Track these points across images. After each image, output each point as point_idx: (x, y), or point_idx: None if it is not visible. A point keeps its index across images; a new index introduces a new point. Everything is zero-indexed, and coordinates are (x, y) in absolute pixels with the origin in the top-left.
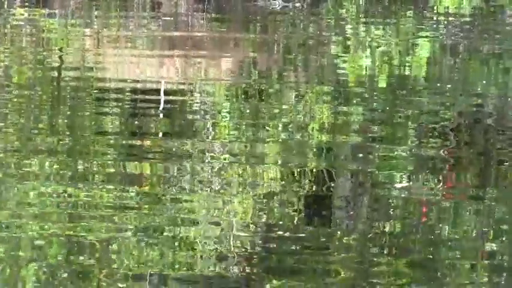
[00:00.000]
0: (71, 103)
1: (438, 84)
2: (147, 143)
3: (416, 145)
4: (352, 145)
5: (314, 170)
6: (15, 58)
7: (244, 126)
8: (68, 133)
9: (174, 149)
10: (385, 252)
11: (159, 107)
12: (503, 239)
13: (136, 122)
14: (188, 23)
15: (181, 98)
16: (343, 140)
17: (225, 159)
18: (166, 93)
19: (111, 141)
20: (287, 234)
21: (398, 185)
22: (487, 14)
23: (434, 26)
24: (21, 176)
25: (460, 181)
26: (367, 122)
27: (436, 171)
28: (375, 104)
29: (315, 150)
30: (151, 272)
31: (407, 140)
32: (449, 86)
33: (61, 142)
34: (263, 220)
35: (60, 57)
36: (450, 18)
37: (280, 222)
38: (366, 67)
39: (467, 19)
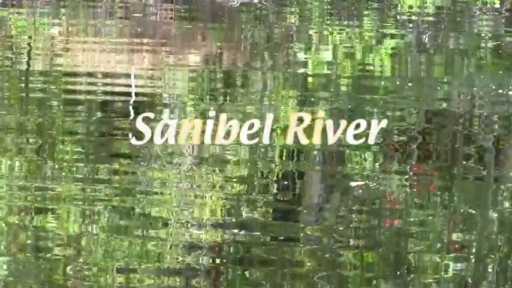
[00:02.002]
0: (40, 97)
1: (398, 82)
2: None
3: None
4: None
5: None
6: None
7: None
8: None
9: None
10: (351, 244)
11: (129, 101)
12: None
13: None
14: (156, 16)
15: (150, 90)
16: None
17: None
18: (135, 85)
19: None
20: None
21: (353, 183)
22: (453, 11)
23: (399, 23)
24: None
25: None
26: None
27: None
28: (340, 102)
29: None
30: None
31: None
32: (413, 83)
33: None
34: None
35: (28, 52)
36: (414, 18)
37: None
38: (329, 64)
39: (431, 18)
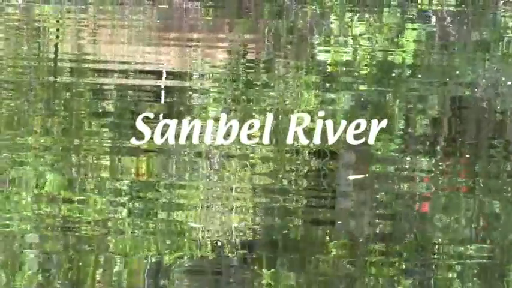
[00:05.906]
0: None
1: (419, 76)
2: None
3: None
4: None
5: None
6: (9, 46)
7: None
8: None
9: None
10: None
11: (157, 96)
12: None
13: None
14: (183, 9)
15: (178, 83)
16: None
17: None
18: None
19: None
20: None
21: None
22: (477, 3)
23: (421, 15)
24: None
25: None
26: None
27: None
28: (361, 88)
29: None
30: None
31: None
32: (436, 75)
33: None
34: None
35: (55, 44)
36: (437, 8)
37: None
38: (350, 56)
39: (453, 8)
